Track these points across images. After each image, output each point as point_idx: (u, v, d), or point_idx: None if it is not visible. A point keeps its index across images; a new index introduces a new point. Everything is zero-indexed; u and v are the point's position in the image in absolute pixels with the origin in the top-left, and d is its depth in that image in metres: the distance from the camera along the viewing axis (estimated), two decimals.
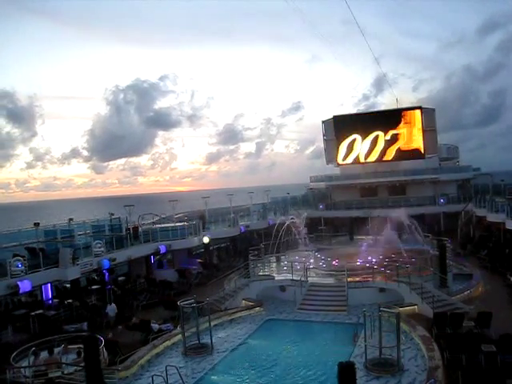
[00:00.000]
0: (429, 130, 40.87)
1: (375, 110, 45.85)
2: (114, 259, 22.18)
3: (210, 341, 14.80)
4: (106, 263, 21.37)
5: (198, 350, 14.44)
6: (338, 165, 45.45)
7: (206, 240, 28.39)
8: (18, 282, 16.93)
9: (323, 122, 45.58)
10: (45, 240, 22.22)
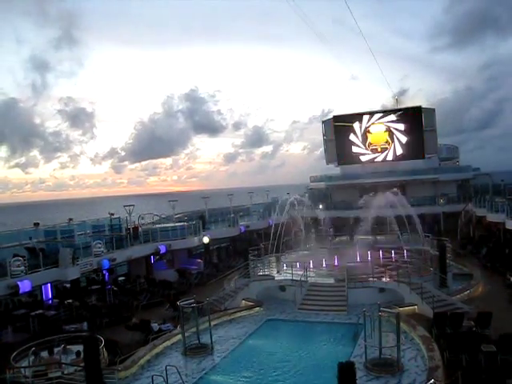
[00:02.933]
0: (429, 130, 40.85)
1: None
2: (114, 259, 22.18)
3: (210, 341, 14.79)
4: (105, 263, 21.38)
5: (198, 350, 14.44)
6: (338, 165, 45.47)
7: (205, 240, 28.40)
8: (18, 282, 16.94)
9: (323, 121, 45.58)
10: (45, 240, 22.22)
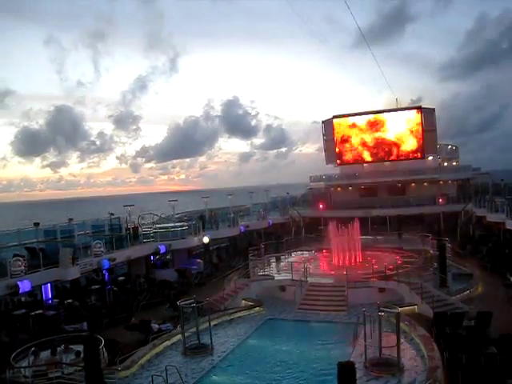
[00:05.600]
0: (429, 130, 40.81)
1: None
2: (114, 259, 22.17)
3: (209, 341, 14.79)
4: (105, 263, 21.37)
5: (198, 350, 14.43)
6: (338, 165, 45.47)
7: (205, 240, 28.37)
8: (18, 282, 16.92)
9: (323, 121, 45.51)
10: (45, 240, 22.20)
